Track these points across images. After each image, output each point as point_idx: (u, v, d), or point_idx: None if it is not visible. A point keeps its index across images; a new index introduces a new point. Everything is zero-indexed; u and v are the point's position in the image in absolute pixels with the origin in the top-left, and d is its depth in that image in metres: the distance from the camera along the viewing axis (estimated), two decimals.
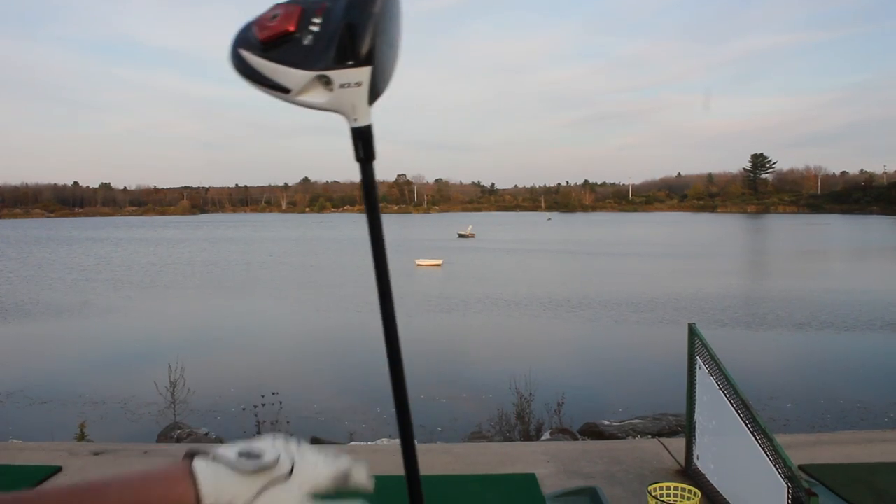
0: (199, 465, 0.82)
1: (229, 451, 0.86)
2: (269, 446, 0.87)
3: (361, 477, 0.95)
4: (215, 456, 0.85)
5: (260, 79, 0.73)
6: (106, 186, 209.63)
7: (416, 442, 1.03)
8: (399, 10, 0.76)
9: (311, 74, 0.71)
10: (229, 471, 0.82)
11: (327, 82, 0.72)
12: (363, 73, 0.72)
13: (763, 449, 3.42)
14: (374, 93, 0.73)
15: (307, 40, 0.71)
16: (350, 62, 0.70)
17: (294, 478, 0.85)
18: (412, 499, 0.95)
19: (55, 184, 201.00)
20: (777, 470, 3.25)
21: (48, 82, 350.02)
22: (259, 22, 0.73)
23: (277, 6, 0.73)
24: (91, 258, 47.75)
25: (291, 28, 0.71)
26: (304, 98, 0.73)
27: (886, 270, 38.34)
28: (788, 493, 3.14)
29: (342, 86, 0.72)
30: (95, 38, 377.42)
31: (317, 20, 0.71)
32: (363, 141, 0.76)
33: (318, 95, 0.73)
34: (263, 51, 0.72)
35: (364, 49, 0.70)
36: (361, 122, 0.75)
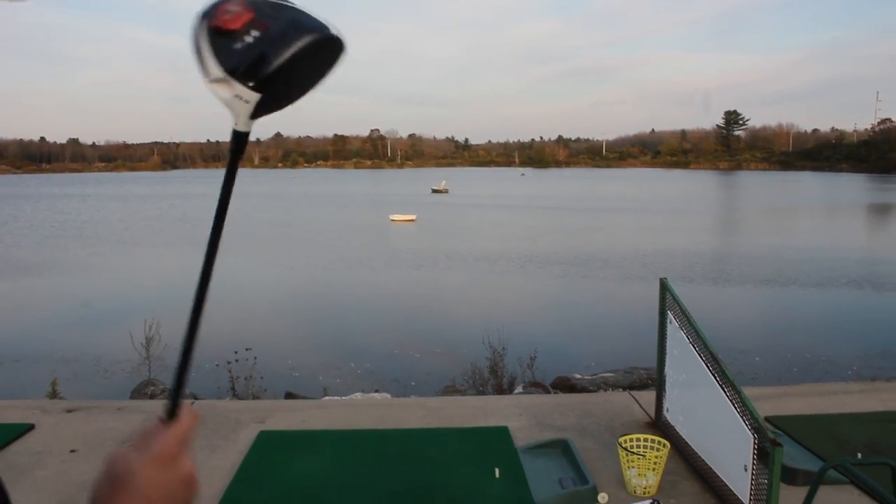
0: None
1: None
2: None
3: None
4: None
5: (197, 54, 0.83)
6: (74, 142, 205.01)
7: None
8: (324, 64, 0.86)
9: (221, 74, 0.80)
10: None
11: (229, 85, 0.81)
12: (253, 96, 0.81)
13: (731, 401, 3.49)
14: (256, 114, 0.84)
15: (238, 44, 0.80)
16: (250, 83, 0.80)
17: None
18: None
19: (21, 139, 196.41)
20: (744, 421, 3.32)
21: (11, 34, 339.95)
22: (219, 10, 0.82)
23: (239, 3, 0.82)
24: (59, 215, 46.96)
25: (235, 27, 0.80)
26: (212, 87, 0.82)
27: (852, 227, 38.95)
28: (755, 443, 3.21)
29: (236, 95, 0.81)
30: None
31: (255, 33, 0.80)
32: (237, 143, 0.86)
33: (222, 92, 0.82)
34: (209, 33, 0.82)
35: (262, 78, 0.80)
36: (240, 128, 0.85)
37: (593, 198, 60.82)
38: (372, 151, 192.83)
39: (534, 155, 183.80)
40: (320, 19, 0.83)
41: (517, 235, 32.34)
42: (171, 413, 0.87)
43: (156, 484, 0.80)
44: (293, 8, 0.83)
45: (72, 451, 4.49)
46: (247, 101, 0.82)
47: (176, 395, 0.89)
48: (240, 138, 0.87)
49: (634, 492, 3.78)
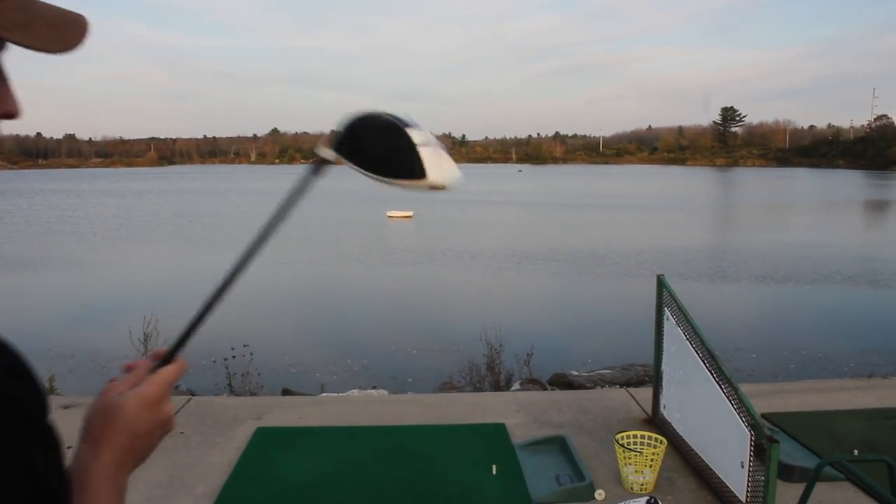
0: None
1: None
2: None
3: None
4: None
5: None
6: (70, 137, 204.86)
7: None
8: (394, 158, 1.16)
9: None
10: None
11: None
12: (335, 135, 1.13)
13: (727, 398, 3.49)
14: (332, 146, 1.13)
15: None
16: (340, 126, 1.13)
17: None
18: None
19: (17, 135, 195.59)
20: (741, 418, 3.33)
21: None
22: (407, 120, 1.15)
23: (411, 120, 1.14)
24: (55, 210, 46.82)
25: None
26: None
27: (849, 224, 38.99)
28: (751, 440, 3.22)
29: (328, 137, 1.14)
30: None
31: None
32: (317, 163, 1.15)
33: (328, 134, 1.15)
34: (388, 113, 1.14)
35: (343, 125, 1.13)
36: (323, 154, 1.14)
37: (590, 194, 60.80)
38: None
39: (531, 151, 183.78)
40: (416, 129, 1.13)
41: (514, 232, 32.32)
42: (167, 360, 1.01)
43: (141, 420, 0.95)
44: (415, 125, 1.14)
45: (68, 447, 4.48)
46: (331, 138, 1.13)
47: (177, 347, 1.04)
48: (318, 163, 1.16)
49: (631, 488, 3.79)
